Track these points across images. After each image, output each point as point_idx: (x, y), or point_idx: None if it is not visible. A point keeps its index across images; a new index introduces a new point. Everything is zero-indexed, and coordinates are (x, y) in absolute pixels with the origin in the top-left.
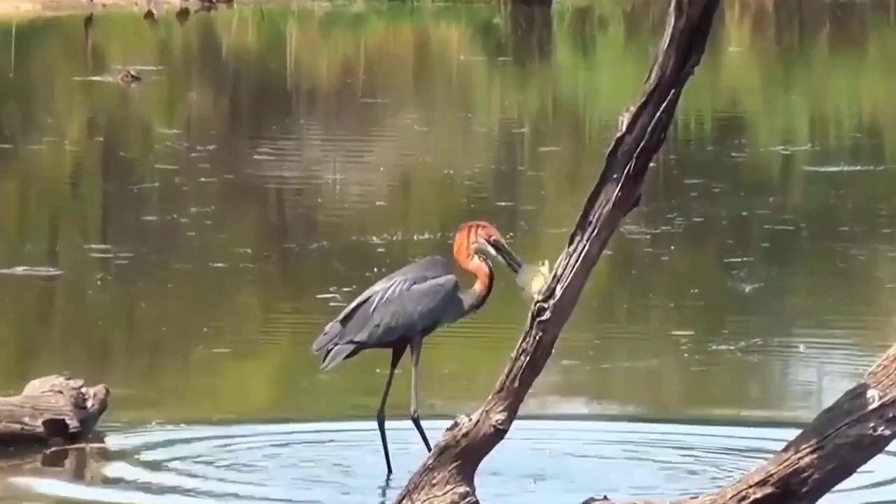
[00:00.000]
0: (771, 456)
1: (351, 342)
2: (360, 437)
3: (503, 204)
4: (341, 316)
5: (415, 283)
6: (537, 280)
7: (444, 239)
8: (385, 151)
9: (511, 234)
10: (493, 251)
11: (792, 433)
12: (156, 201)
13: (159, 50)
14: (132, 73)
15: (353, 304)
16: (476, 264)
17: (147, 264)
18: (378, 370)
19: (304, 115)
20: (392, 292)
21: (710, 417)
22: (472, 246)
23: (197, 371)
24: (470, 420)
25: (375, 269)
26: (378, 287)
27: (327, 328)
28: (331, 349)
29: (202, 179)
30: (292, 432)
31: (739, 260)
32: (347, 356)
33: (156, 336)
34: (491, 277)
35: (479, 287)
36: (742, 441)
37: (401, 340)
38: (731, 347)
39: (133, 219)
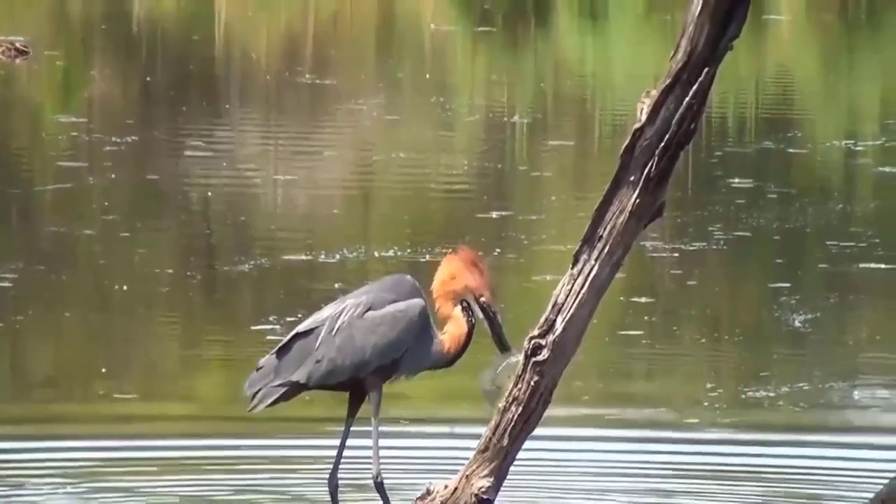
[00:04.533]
0: None
1: (286, 382)
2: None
3: (495, 214)
4: (278, 347)
5: (370, 309)
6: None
7: (415, 258)
8: (341, 146)
9: (499, 249)
10: (479, 313)
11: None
12: (54, 208)
13: (51, 16)
14: (17, 45)
15: (294, 331)
16: (455, 315)
17: (38, 287)
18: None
19: (236, 99)
20: (342, 321)
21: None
22: (459, 289)
23: (95, 423)
24: (446, 487)
25: (326, 296)
26: (326, 313)
27: (262, 362)
28: (261, 389)
29: (113, 180)
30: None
31: (790, 285)
32: (280, 398)
33: (45, 378)
34: (468, 338)
35: (447, 342)
36: None
37: (353, 383)
38: (772, 394)
39: (23, 229)
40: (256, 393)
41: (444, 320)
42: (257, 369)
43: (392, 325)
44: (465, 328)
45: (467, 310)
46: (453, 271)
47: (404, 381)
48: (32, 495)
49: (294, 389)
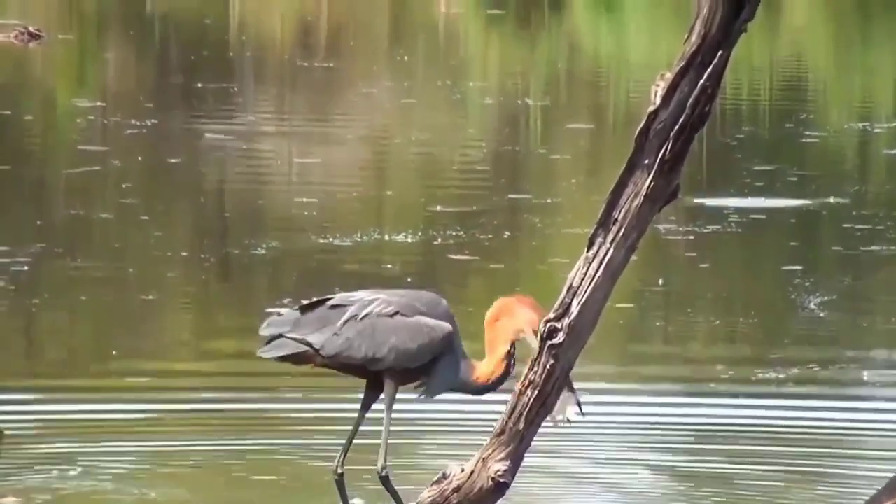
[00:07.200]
0: None
1: (303, 341)
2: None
3: (511, 197)
4: (303, 304)
5: (399, 312)
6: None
7: (428, 242)
8: (356, 129)
9: (509, 232)
10: (537, 347)
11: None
12: (73, 191)
13: (64, 0)
14: (31, 29)
15: (325, 297)
16: (499, 352)
17: (53, 270)
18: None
19: (251, 83)
20: (371, 310)
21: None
22: (518, 323)
23: (107, 392)
24: (462, 471)
25: (341, 279)
26: (360, 296)
27: (283, 311)
28: (276, 337)
29: (130, 163)
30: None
31: (804, 267)
32: (291, 358)
33: (58, 360)
34: (500, 380)
35: (480, 373)
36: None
37: (368, 371)
38: (782, 376)
39: (42, 212)
40: (271, 340)
41: (488, 350)
42: (277, 314)
43: (413, 335)
44: (501, 370)
45: (511, 356)
46: (513, 306)
47: (427, 398)
48: (48, 461)
49: (306, 354)
